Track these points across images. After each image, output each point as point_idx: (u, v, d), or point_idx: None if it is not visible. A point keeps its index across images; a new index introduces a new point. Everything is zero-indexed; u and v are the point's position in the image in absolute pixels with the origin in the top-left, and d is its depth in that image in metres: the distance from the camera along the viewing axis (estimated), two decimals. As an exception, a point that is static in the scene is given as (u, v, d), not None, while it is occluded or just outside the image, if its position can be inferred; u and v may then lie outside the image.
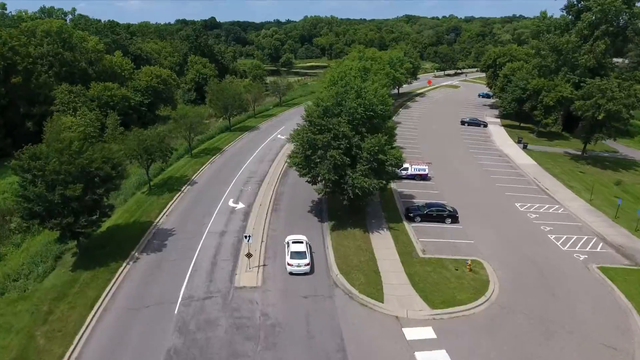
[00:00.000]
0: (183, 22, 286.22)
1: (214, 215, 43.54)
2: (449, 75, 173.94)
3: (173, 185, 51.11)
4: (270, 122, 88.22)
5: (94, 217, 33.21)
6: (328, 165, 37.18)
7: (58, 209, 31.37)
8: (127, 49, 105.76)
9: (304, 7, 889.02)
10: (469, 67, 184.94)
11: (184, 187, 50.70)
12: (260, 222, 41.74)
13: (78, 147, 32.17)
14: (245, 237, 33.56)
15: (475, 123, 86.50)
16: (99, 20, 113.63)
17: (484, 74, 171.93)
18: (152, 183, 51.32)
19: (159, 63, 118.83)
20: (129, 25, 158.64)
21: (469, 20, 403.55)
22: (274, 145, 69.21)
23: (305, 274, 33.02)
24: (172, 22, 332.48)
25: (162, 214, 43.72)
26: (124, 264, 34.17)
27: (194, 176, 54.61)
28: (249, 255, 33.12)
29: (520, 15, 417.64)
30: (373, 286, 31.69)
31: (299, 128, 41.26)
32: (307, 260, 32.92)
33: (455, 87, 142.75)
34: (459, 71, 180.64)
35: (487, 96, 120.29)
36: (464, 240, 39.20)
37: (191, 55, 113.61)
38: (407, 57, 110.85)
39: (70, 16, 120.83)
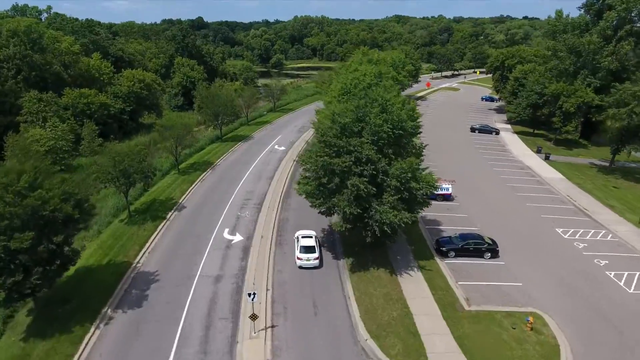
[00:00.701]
0: (170, 22, 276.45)
1: (207, 252, 35.98)
2: (446, 76, 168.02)
3: (157, 211, 43.39)
4: (265, 130, 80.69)
5: (52, 269, 25.61)
6: (349, 196, 29.95)
7: (1, 265, 23.70)
8: (107, 51, 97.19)
9: (290, 7, 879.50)
10: (466, 68, 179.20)
11: (170, 214, 43.00)
12: (263, 262, 34.30)
13: (28, 182, 24.44)
14: (249, 294, 26.14)
15: (486, 130, 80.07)
16: (77, 19, 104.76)
17: (482, 76, 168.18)
18: (132, 208, 43.60)
19: (143, 65, 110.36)
20: (111, 25, 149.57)
21: (458, 20, 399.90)
22: (272, 159, 61.74)
23: (314, 267, 33.47)
24: (159, 22, 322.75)
25: (143, 251, 36.04)
26: (92, 329, 26.49)
27: (182, 199, 46.93)
28: (253, 317, 25.74)
29: (508, 16, 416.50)
30: (414, 357, 24.59)
31: (310, 149, 33.89)
32: (316, 255, 33.46)
33: (455, 89, 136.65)
34: (455, 72, 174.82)
35: (491, 100, 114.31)
36: (512, 283, 32.29)
37: (178, 57, 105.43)
38: (409, 59, 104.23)
39: (45, 14, 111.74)
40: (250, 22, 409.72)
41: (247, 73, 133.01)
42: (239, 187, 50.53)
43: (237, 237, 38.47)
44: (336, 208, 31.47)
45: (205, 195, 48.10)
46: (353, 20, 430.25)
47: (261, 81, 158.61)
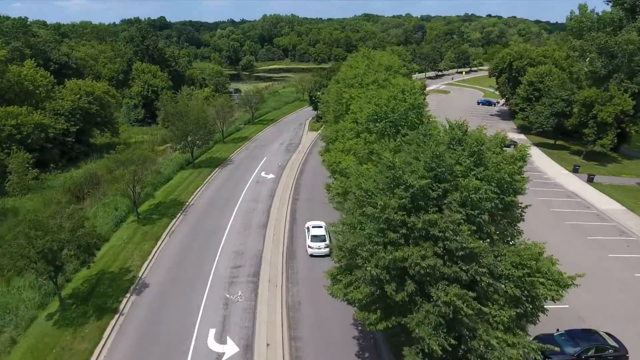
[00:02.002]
0: (129, 23, 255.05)
1: (183, 387, 22.19)
2: (430, 77, 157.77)
3: (105, 298, 28.98)
4: (246, 149, 66.53)
5: None
6: (435, 318, 16.91)
7: None
8: (48, 56, 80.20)
9: (254, 7, 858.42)
10: (449, 69, 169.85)
11: (124, 304, 28.71)
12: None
13: None
14: None
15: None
16: (8, 17, 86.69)
17: (468, 76, 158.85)
18: (65, 295, 29.04)
19: (95, 72, 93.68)
20: (59, 25, 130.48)
21: (426, 18, 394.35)
22: (260, 193, 47.90)
23: (325, 255, 33.40)
24: (118, 22, 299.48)
25: (76, 393, 21.86)
26: None
27: (142, 270, 32.51)
28: None
29: (473, 14, 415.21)
30: None
31: (351, 223, 20.40)
32: (326, 243, 33.88)
33: (445, 92, 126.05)
34: (439, 73, 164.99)
35: (488, 103, 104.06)
36: None
37: (137, 62, 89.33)
38: (402, 61, 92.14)
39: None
40: (215, 22, 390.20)
41: (218, 78, 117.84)
42: (222, 244, 36.47)
43: (230, 348, 24.72)
44: (415, 335, 18.20)
45: (177, 261, 33.91)
46: (321, 19, 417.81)
47: (232, 85, 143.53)
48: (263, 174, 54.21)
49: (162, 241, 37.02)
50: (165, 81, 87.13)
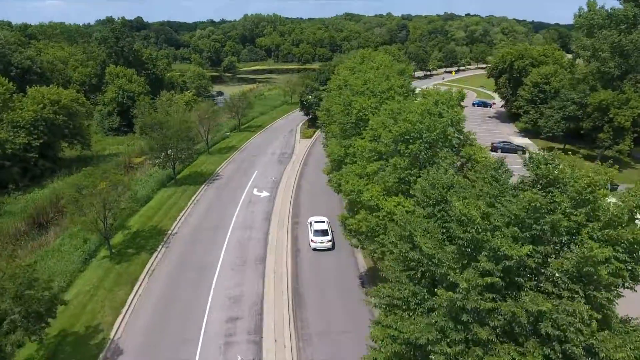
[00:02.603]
0: (104, 23, 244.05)
1: None
2: (418, 78, 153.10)
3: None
4: (234, 161, 59.98)
5: None
6: None
7: None
8: (9, 60, 71.96)
9: (233, 7, 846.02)
10: (437, 68, 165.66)
11: (89, 382, 22.18)
12: None
13: None
14: None
15: (510, 149, 63.98)
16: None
17: (458, 76, 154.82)
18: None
19: (65, 77, 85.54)
20: (25, 26, 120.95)
21: (407, 17, 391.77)
22: (255, 216, 41.55)
23: (328, 249, 34.08)
24: (93, 23, 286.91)
25: None
26: None
27: (112, 335, 25.77)
28: None
29: (452, 13, 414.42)
30: None
31: (401, 308, 14.38)
32: (329, 237, 34.45)
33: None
34: (428, 73, 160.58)
35: (484, 105, 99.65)
36: None
37: (110, 65, 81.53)
38: (397, 62, 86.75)
39: None
40: (194, 22, 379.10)
41: (200, 81, 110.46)
42: (213, 287, 30.06)
43: None
44: None
45: (159, 314, 27.32)
46: (301, 19, 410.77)
47: (215, 88, 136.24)
48: (255, 191, 47.84)
49: (140, 285, 30.39)
50: (142, 86, 79.66)
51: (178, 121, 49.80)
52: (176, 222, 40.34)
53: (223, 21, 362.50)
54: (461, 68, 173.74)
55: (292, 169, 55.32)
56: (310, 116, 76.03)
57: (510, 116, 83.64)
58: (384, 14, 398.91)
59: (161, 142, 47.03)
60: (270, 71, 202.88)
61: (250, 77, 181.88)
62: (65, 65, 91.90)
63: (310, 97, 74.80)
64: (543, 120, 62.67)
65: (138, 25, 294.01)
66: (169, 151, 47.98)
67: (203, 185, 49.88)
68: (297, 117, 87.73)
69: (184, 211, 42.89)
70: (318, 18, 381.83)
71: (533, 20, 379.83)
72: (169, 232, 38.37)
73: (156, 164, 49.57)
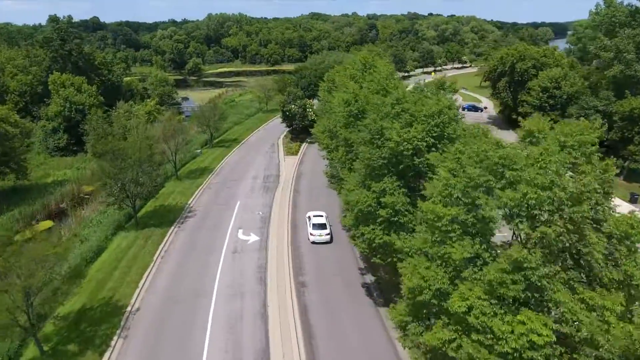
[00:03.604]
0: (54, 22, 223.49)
1: None
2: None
3: None
4: (209, 188, 48.98)
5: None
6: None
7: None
8: None
9: (194, 6, 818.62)
10: (415, 69, 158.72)
11: None
12: None
13: None
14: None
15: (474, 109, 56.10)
16: None
17: (434, 76, 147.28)
18: None
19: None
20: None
21: (372, 17, 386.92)
22: (244, 276, 31.00)
23: (326, 242, 34.93)
24: (45, 23, 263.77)
25: None
26: None
27: None
28: None
29: (415, 13, 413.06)
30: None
31: None
32: (327, 231, 35.27)
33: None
34: (406, 74, 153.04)
35: (475, 109, 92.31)
36: None
37: (54, 73, 68.10)
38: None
39: None
40: (155, 22, 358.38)
41: (163, 87, 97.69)
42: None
43: None
44: None
45: None
46: (266, 18, 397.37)
47: (180, 93, 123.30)
48: (241, 234, 37.31)
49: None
50: (94, 96, 66.90)
51: (139, 146, 38.45)
52: (138, 290, 29.37)
53: (185, 21, 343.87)
54: (437, 68, 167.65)
55: (282, 198, 45.06)
56: (293, 126, 65.81)
57: (508, 122, 76.40)
58: (350, 14, 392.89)
59: (115, 175, 35.73)
60: (238, 73, 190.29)
61: (217, 81, 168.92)
62: (2, 72, 77.34)
63: (293, 106, 64.62)
64: (560, 130, 54.99)
65: (94, 25, 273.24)
66: (127, 186, 36.67)
67: (173, 227, 38.84)
68: (276, 127, 77.27)
69: (148, 270, 31.91)
70: (284, 18, 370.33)
71: (492, 19, 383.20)
72: (128, 309, 27.39)
73: (109, 204, 38.14)
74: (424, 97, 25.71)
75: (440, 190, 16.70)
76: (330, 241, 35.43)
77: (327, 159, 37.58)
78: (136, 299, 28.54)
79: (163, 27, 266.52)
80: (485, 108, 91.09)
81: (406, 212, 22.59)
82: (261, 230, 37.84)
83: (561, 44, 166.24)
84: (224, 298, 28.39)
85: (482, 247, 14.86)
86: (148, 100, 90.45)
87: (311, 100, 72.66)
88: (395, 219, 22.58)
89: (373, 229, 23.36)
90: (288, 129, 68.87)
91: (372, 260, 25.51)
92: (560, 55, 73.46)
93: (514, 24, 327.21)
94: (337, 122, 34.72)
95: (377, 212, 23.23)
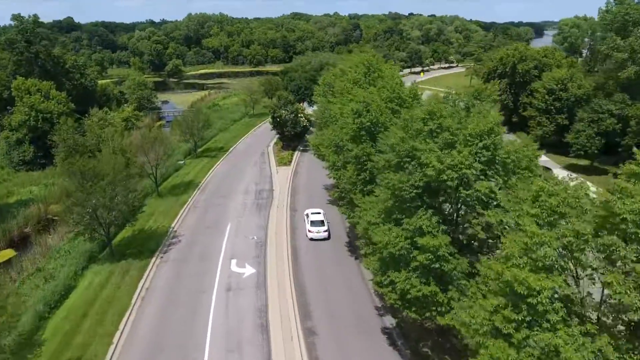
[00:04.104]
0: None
1: None
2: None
3: None
4: (195, 207, 43.50)
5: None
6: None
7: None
8: None
9: (173, 7, 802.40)
10: (403, 69, 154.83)
11: None
12: None
13: None
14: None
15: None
16: None
17: (426, 77, 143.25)
18: None
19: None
20: None
21: (354, 17, 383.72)
22: (242, 319, 25.84)
23: (324, 239, 35.02)
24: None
25: None
26: None
27: None
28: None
29: (396, 12, 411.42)
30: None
31: None
32: (325, 228, 35.61)
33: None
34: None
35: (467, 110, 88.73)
36: None
37: (18, 78, 61.31)
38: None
39: None
40: (133, 23, 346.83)
41: (142, 91, 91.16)
42: None
43: None
44: None
45: None
46: (247, 18, 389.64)
47: (160, 96, 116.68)
48: (234, 265, 32.16)
49: None
50: (64, 103, 60.49)
51: (113, 164, 32.88)
52: (113, 347, 23.97)
53: (164, 21, 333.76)
54: (425, 68, 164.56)
55: (278, 218, 40.00)
56: (284, 134, 60.67)
57: (509, 125, 72.79)
58: (331, 14, 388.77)
59: (84, 202, 30.14)
60: (221, 74, 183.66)
61: (199, 83, 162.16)
62: (-40, 78, 69.91)
63: (284, 112, 59.52)
64: (572, 135, 51.51)
65: (68, 26, 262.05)
66: (99, 212, 31.07)
67: (154, 258, 33.41)
68: (264, 133, 72.09)
69: (126, 316, 26.52)
70: (265, 18, 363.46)
71: (470, 19, 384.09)
72: (100, 377, 22.05)
73: (79, 233, 32.55)
74: (460, 109, 21.18)
75: (524, 248, 12.03)
76: (328, 238, 35.44)
77: (333, 178, 32.57)
78: (112, 356, 23.19)
79: (141, 28, 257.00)
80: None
81: (450, 258, 17.95)
82: (257, 260, 32.75)
83: (539, 43, 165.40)
84: (218, 354, 23.29)
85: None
86: (125, 105, 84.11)
87: (302, 104, 67.74)
88: (437, 265, 17.90)
89: (407, 278, 18.62)
90: (278, 136, 63.68)
91: (404, 313, 20.84)
92: (561, 55, 70.32)
93: (492, 24, 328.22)
94: (343, 135, 29.95)
95: (412, 255, 18.53)
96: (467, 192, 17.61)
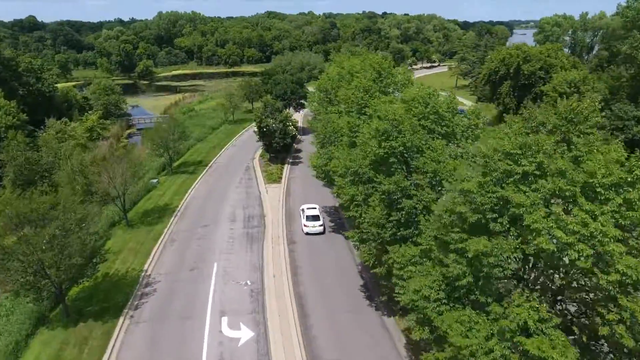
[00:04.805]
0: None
1: None
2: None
3: None
4: (172, 241, 35.85)
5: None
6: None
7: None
8: None
9: (142, 7, 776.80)
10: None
11: None
12: None
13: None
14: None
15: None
16: None
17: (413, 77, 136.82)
18: None
19: None
20: None
21: (328, 16, 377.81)
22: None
23: (320, 233, 35.54)
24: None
25: None
26: None
27: None
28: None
29: (371, 12, 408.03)
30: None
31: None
32: (320, 222, 35.99)
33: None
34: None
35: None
36: None
37: (-43, 85, 52.06)
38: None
39: None
40: (100, 22, 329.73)
41: (108, 96, 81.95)
42: None
43: None
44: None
45: None
46: (220, 17, 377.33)
47: (129, 100, 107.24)
48: (226, 327, 25.07)
49: None
50: (13, 114, 51.55)
51: (62, 208, 25.11)
52: None
53: (133, 20, 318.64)
54: (408, 68, 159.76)
55: (275, 254, 33.05)
56: (272, 146, 53.51)
57: (509, 130, 67.99)
58: (306, 12, 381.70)
59: (27, 257, 22.46)
60: (195, 76, 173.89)
61: (172, 85, 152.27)
62: None
63: (271, 121, 52.44)
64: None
65: (30, 25, 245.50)
66: (50, 271, 23.41)
67: (122, 319, 25.94)
68: (247, 142, 64.87)
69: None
70: (239, 17, 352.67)
71: (447, 18, 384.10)
72: None
73: (18, 296, 24.77)
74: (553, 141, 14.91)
75: None
76: (323, 232, 35.83)
77: (354, 217, 25.53)
78: None
79: (109, 27, 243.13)
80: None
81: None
82: (254, 318, 25.77)
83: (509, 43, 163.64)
84: None
85: None
86: (90, 113, 75.06)
87: (287, 111, 60.76)
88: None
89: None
90: (264, 147, 56.45)
91: None
92: (564, 55, 65.85)
93: (465, 23, 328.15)
94: (363, 160, 23.36)
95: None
96: (608, 278, 11.24)
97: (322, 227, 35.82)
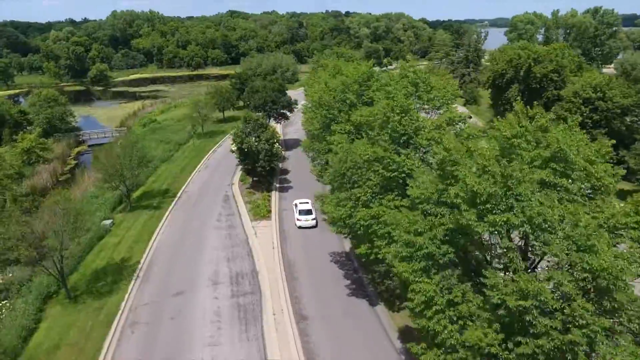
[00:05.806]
0: None
1: None
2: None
3: None
4: (133, 324, 25.11)
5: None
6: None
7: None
8: None
9: (95, 7, 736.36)
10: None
11: None
12: None
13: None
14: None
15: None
16: None
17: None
18: None
19: None
20: None
21: (293, 15, 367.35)
22: None
23: (312, 227, 35.49)
24: None
25: None
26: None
27: None
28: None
29: (334, 10, 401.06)
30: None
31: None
32: (313, 216, 35.87)
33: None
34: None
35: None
36: None
37: None
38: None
39: None
40: (49, 22, 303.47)
41: (52, 109, 68.63)
42: None
43: None
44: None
45: None
46: (179, 17, 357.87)
47: (79, 110, 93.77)
48: None
49: None
50: None
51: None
52: None
53: (86, 20, 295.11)
54: (383, 68, 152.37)
55: (280, 343, 23.19)
56: (257, 170, 43.24)
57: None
58: (270, 12, 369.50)
59: None
60: (155, 80, 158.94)
61: (130, 91, 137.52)
62: None
63: (252, 139, 42.22)
64: (634, 160, 39.46)
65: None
66: None
67: None
68: (222, 162, 54.30)
69: None
70: (201, 16, 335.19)
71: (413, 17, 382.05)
72: None
73: None
74: None
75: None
76: (316, 226, 35.38)
77: (418, 323, 15.91)
78: None
79: (58, 28, 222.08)
80: (470, 118, 75.49)
81: None
82: None
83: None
84: None
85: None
86: (28, 130, 62.01)
87: (274, 127, 50.74)
88: None
89: None
90: (246, 171, 46.03)
91: None
92: (571, 54, 59.32)
93: (436, 22, 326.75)
94: (436, 229, 13.98)
95: None
96: None
97: (314, 221, 35.71)
